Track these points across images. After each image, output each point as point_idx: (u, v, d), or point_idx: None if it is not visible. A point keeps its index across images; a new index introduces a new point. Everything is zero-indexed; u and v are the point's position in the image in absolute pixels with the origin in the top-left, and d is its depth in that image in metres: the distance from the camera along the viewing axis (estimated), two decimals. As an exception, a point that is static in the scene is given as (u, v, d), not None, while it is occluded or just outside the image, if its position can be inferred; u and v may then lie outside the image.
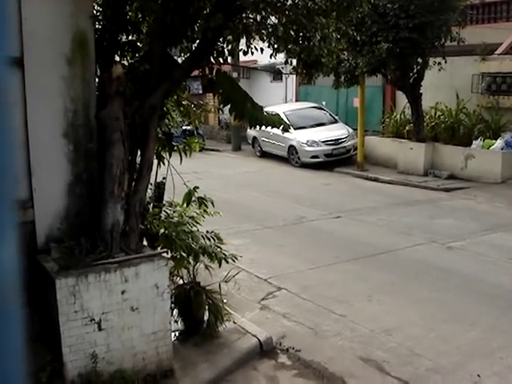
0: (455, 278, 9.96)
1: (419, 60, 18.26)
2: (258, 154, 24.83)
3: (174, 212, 8.16)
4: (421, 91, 18.69)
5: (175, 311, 7.62)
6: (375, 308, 8.91)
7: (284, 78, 27.21)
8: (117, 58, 7.44)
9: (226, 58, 7.73)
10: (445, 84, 19.84)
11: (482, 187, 17.21)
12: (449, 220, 13.81)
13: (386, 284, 9.83)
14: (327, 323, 8.40)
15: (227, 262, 7.83)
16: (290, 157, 22.47)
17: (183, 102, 8.53)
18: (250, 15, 7.24)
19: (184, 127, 14.74)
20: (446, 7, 16.89)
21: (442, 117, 19.54)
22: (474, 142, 18.30)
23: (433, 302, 9.02)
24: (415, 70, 18.59)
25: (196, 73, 7.94)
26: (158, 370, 6.67)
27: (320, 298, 9.25)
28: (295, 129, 19.52)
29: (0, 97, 0.50)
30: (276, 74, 26.17)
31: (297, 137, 21.51)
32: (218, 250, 7.78)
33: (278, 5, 7.02)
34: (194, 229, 7.88)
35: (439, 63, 17.77)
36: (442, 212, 14.70)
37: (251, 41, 7.24)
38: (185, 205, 8.14)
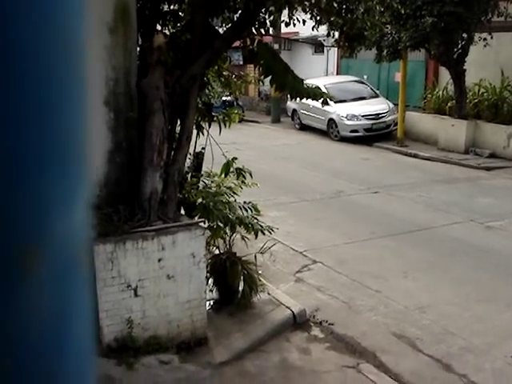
0: (492, 258, 9.86)
1: (464, 35, 17.89)
2: (297, 126, 24.71)
3: (212, 182, 8.20)
4: (464, 67, 18.35)
5: (210, 280, 7.70)
6: (410, 285, 8.88)
7: (325, 51, 26.95)
8: (158, 28, 7.45)
9: (268, 29, 7.69)
10: (489, 60, 19.43)
11: (524, 167, 16.92)
12: (488, 199, 13.62)
13: (421, 261, 9.77)
14: (361, 298, 8.40)
15: (263, 234, 7.86)
16: (330, 130, 22.32)
17: (224, 73, 8.52)
18: (294, -14, 7.18)
19: (224, 98, 14.74)
20: (494, -19, 16.51)
21: (485, 94, 19.16)
22: (517, 120, 17.95)
23: (469, 282, 8.95)
24: (459, 46, 18.22)
25: (237, 44, 7.92)
26: (192, 338, 6.77)
27: (355, 272, 9.25)
28: (335, 102, 19.34)
29: (76, 47, 0.50)
30: (318, 46, 25.93)
31: (337, 110, 21.34)
32: (255, 221, 7.81)
33: (322, -24, 6.94)
34: (232, 199, 7.91)
35: (485, 39, 17.39)
36: (481, 191, 14.50)
37: (293, 12, 7.19)
38: (223, 175, 8.17)
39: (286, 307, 7.83)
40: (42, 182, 0.48)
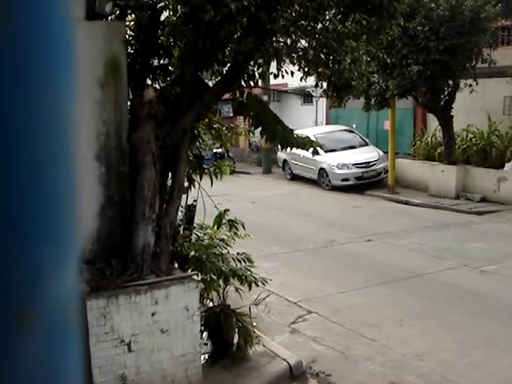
0: (488, 303, 9.81)
1: (450, 82, 18.17)
2: (288, 176, 24.83)
3: (205, 234, 8.19)
4: (452, 113, 18.57)
5: (205, 334, 7.61)
6: (406, 332, 8.80)
7: (314, 101, 27.26)
8: (149, 82, 7.53)
9: (257, 81, 7.78)
10: (476, 106, 19.70)
11: (515, 210, 16.98)
12: (481, 244, 13.63)
13: (417, 308, 9.72)
14: (358, 347, 8.31)
15: (257, 285, 7.82)
16: (321, 180, 22.43)
17: (214, 125, 8.58)
18: (281, 39, 7.29)
19: (215, 150, 14.82)
20: (476, 29, 16.82)
21: (473, 139, 19.36)
22: (506, 164, 18.09)
23: (465, 327, 8.89)
24: (446, 93, 18.49)
25: (227, 96, 8.00)
26: (188, 393, 6.65)
27: (351, 321, 9.17)
28: (325, 152, 19.51)
29: (63, 124, 0.55)
30: (306, 96, 26.23)
31: (327, 159, 21.48)
32: (248, 272, 7.77)
33: (309, 28, 7.06)
34: (225, 251, 7.89)
35: (470, 85, 17.66)
36: (474, 235, 14.52)
37: (281, 64, 7.28)
38: (215, 227, 8.16)
39: (282, 359, 7.74)
40: (36, 247, 0.52)
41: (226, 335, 7.66)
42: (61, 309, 0.54)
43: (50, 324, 0.53)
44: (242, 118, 8.71)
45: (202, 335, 7.23)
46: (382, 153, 22.00)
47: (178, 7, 6.93)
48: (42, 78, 0.52)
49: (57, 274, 0.53)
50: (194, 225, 8.34)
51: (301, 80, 7.61)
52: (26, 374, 0.52)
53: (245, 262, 7.90)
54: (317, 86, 8.21)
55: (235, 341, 7.67)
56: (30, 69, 0.51)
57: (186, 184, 7.84)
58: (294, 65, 7.39)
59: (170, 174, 7.36)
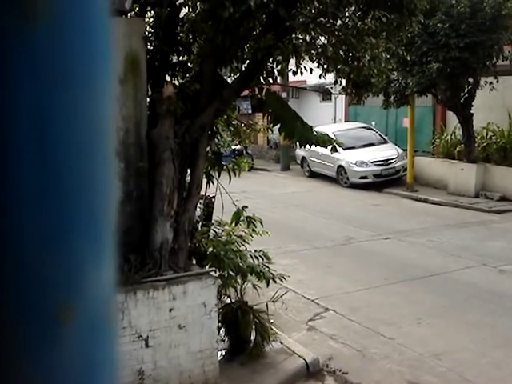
0: (507, 302, 9.74)
1: (470, 80, 18.03)
2: (306, 173, 24.79)
3: (223, 231, 8.20)
4: (472, 111, 18.43)
5: (222, 330, 7.62)
6: (424, 331, 8.76)
7: (333, 98, 27.19)
8: (168, 78, 7.55)
9: (276, 78, 7.77)
10: (496, 104, 19.53)
11: (535, 209, 16.84)
12: (501, 242, 13.52)
13: (435, 307, 9.67)
14: (375, 346, 8.29)
15: (275, 282, 7.81)
16: (339, 177, 22.37)
17: (233, 122, 8.59)
18: (300, 36, 7.28)
19: (233, 147, 14.85)
20: (497, 26, 16.67)
21: (493, 137, 19.21)
22: (526, 163, 17.95)
23: (484, 327, 8.83)
24: (466, 90, 18.36)
25: (246, 93, 8.00)
26: (205, 389, 6.67)
27: (368, 320, 9.14)
28: (344, 149, 19.42)
29: (101, 124, 0.55)
30: (325, 94, 26.18)
31: (346, 157, 21.40)
32: (266, 269, 7.77)
33: (328, 25, 7.04)
34: (242, 248, 7.89)
35: (491, 83, 17.51)
36: (493, 234, 14.42)
37: (301, 61, 7.27)
38: (233, 224, 8.17)
39: (299, 356, 7.74)
40: (74, 244, 0.54)
41: (243, 332, 7.67)
42: (99, 305, 0.56)
43: (89, 320, 0.55)
44: (260, 114, 8.71)
45: (219, 331, 7.24)
46: (400, 150, 21.89)
47: (198, 4, 6.94)
48: (83, 76, 0.53)
49: (95, 270, 0.55)
50: (212, 221, 8.35)
51: (320, 77, 7.59)
52: (65, 371, 0.54)
53: (262, 258, 7.90)
54: (336, 83, 8.18)
55: (252, 337, 7.68)
56: (71, 66, 0.52)
57: (206, 180, 7.86)
58: (313, 62, 7.38)
59: (188, 170, 7.37)
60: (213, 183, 8.20)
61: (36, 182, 0.51)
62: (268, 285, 7.77)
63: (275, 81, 7.88)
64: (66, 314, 0.53)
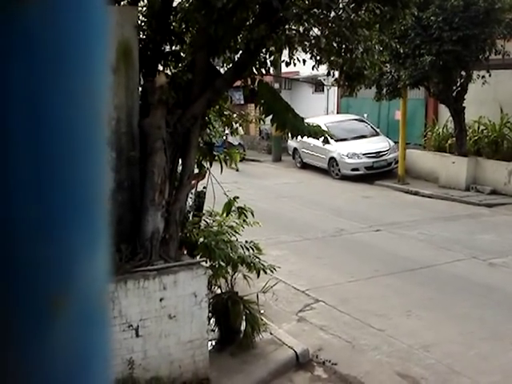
0: (496, 295, 9.79)
1: (463, 73, 18.06)
2: (298, 165, 24.79)
3: (214, 221, 8.20)
4: (464, 105, 18.47)
5: (212, 320, 7.64)
6: (414, 323, 8.80)
7: (326, 90, 27.15)
8: (160, 68, 7.52)
9: (268, 68, 7.77)
10: (488, 98, 19.57)
11: (525, 203, 16.92)
12: (491, 236, 13.58)
13: (425, 299, 9.71)
14: (365, 337, 8.32)
15: (265, 273, 7.83)
16: (331, 169, 22.38)
17: (225, 112, 8.58)
18: (293, 27, 7.27)
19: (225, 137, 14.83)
20: (491, 20, 16.69)
21: (485, 131, 19.26)
22: (517, 156, 18.00)
23: (473, 319, 8.88)
24: (458, 84, 18.39)
25: (238, 83, 7.98)
26: (194, 379, 6.69)
27: (358, 311, 9.18)
28: (336, 141, 19.43)
29: (95, 111, 0.54)
30: (318, 85, 26.14)
31: (337, 149, 21.40)
32: (257, 260, 7.79)
33: (321, 17, 7.03)
34: (233, 238, 7.90)
35: (483, 77, 17.54)
36: (483, 228, 14.48)
37: (293, 52, 7.26)
38: (224, 214, 8.17)
39: (289, 347, 7.76)
40: (68, 233, 0.53)
41: (234, 322, 7.69)
42: (92, 294, 0.56)
43: (82, 311, 0.55)
44: (252, 105, 8.69)
45: (209, 321, 7.26)
46: (392, 143, 21.91)
47: (191, -7, 6.92)
48: (77, 62, 0.52)
49: (88, 260, 0.55)
50: (204, 211, 8.35)
51: (312, 68, 7.59)
52: (58, 361, 0.54)
53: (253, 249, 7.91)
54: (328, 74, 8.18)
55: (242, 328, 7.69)
56: (66, 52, 0.51)
57: (197, 171, 7.85)
58: (306, 53, 7.37)
59: (180, 160, 7.36)
60: (204, 173, 8.19)
61: (29, 172, 0.51)
62: (258, 275, 7.78)
63: (268, 71, 7.87)
64: (59, 305, 0.53)
